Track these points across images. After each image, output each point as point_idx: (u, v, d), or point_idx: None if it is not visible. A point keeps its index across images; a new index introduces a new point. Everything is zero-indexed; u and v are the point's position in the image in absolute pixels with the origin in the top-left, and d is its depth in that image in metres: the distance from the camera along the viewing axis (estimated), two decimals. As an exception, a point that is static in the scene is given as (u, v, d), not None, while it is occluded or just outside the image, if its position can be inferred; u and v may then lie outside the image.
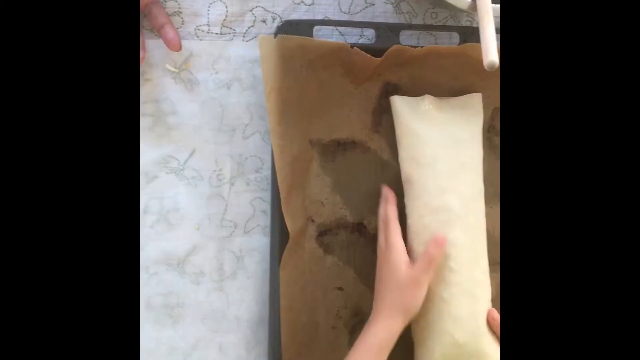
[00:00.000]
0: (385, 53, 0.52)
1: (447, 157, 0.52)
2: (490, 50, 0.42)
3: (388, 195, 0.52)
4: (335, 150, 0.55)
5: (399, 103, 0.54)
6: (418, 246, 0.51)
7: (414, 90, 0.54)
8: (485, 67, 0.42)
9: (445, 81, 0.55)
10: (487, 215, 0.54)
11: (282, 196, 0.50)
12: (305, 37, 0.51)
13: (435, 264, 0.49)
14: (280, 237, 0.53)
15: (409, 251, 0.51)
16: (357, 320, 0.54)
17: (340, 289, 0.54)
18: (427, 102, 0.53)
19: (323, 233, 0.54)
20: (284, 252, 0.51)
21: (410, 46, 0.53)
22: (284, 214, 0.50)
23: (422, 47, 0.53)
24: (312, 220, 0.54)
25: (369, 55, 0.52)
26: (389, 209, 0.52)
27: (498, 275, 0.54)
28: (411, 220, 0.52)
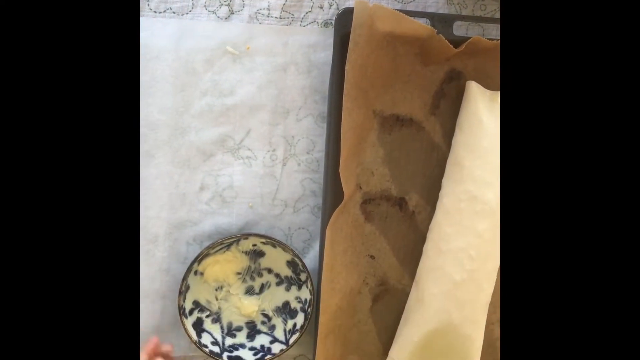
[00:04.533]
0: (465, 44, 0.54)
1: (499, 155, 0.54)
2: None
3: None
4: (393, 124, 0.57)
5: (474, 89, 0.55)
6: (448, 227, 0.54)
7: (475, 80, 0.56)
8: None
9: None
10: None
11: (341, 158, 0.52)
12: (398, 11, 0.52)
13: None
14: (330, 207, 0.54)
15: (433, 226, 0.55)
16: (381, 290, 0.57)
17: (372, 257, 0.57)
18: (498, 98, 0.55)
19: (367, 201, 0.57)
20: (334, 212, 0.53)
21: (467, 37, 0.55)
22: (341, 176, 0.52)
23: (497, 39, 0.54)
24: (360, 188, 0.56)
25: (449, 44, 0.53)
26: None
27: None
28: (447, 201, 0.55)
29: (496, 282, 0.56)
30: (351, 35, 0.51)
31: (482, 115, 0.54)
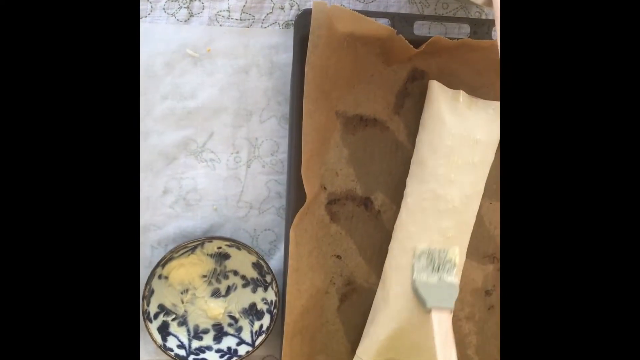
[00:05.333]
0: (425, 44, 0.54)
1: (463, 153, 0.54)
2: None
3: None
4: (357, 124, 0.57)
5: (436, 88, 0.56)
6: (412, 225, 0.55)
7: (438, 80, 0.56)
8: None
9: (468, 75, 0.58)
10: (486, 210, 0.58)
11: (303, 159, 0.52)
12: (356, 11, 0.52)
13: None
14: (295, 208, 0.54)
15: (398, 225, 0.56)
16: (348, 289, 0.57)
17: (339, 257, 0.57)
18: (460, 97, 0.56)
19: (332, 202, 0.57)
20: (296, 214, 0.53)
21: (428, 36, 0.55)
22: (303, 178, 0.52)
23: (457, 39, 0.55)
24: (325, 188, 0.57)
25: (409, 45, 0.54)
26: None
27: (488, 267, 0.59)
28: (411, 200, 0.56)
29: (463, 278, 0.57)
30: (310, 37, 0.51)
31: (445, 115, 0.55)
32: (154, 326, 0.53)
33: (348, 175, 0.57)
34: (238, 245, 0.54)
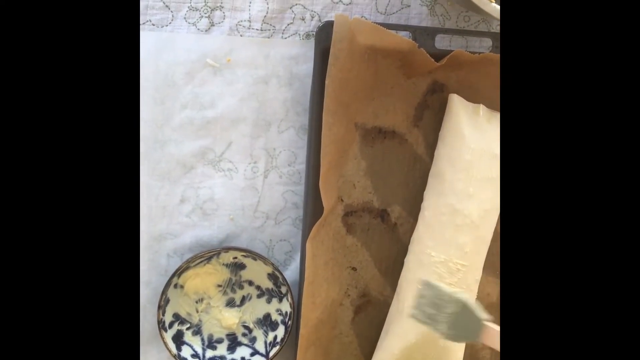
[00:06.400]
0: (447, 57, 0.54)
1: (482, 168, 0.54)
2: None
3: None
4: (375, 136, 0.57)
5: (456, 102, 0.55)
6: (429, 239, 0.54)
7: (458, 93, 0.56)
8: None
9: (488, 89, 0.57)
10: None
11: (321, 171, 0.52)
12: (377, 24, 0.52)
13: None
14: (311, 219, 0.54)
15: (415, 238, 0.55)
16: (363, 301, 0.57)
17: (354, 269, 0.57)
18: (480, 111, 0.55)
19: (349, 214, 0.57)
20: (314, 226, 0.53)
21: (449, 50, 0.54)
22: (321, 189, 0.52)
23: (479, 53, 0.54)
24: (342, 200, 0.56)
25: (430, 58, 0.53)
26: None
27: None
28: (428, 213, 0.55)
29: (478, 293, 0.56)
30: (331, 49, 0.51)
31: (464, 129, 0.54)
32: (168, 335, 0.53)
33: (365, 188, 0.57)
34: (254, 255, 0.54)
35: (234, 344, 0.56)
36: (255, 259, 0.55)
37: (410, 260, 0.56)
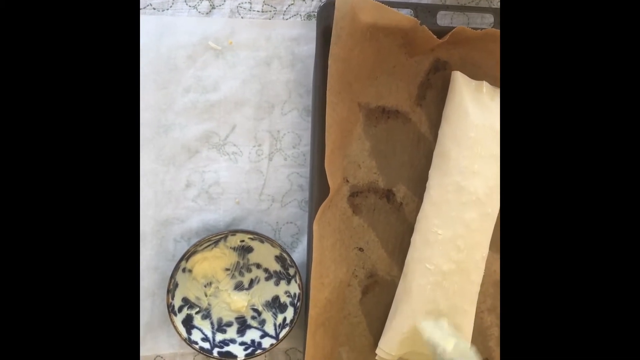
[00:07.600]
0: (449, 34, 0.53)
1: (486, 145, 0.54)
2: None
3: None
4: (379, 116, 0.57)
5: (459, 80, 0.55)
6: (435, 218, 0.54)
7: (460, 70, 0.56)
8: None
9: (491, 66, 0.57)
10: None
11: (326, 152, 0.52)
12: (379, 2, 0.52)
13: None
14: (317, 201, 0.54)
15: (421, 217, 0.55)
16: (371, 282, 0.57)
17: (361, 249, 0.57)
18: (483, 88, 0.55)
19: (355, 194, 0.57)
20: (319, 207, 0.53)
21: (451, 26, 0.54)
22: (326, 170, 0.52)
23: (481, 29, 0.54)
24: (347, 181, 0.57)
25: (433, 35, 0.53)
26: None
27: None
28: (433, 192, 0.55)
29: (485, 270, 0.57)
30: (333, 28, 0.50)
31: (468, 106, 0.54)
32: (178, 319, 0.53)
33: (370, 168, 0.57)
34: (261, 238, 0.54)
35: (243, 327, 0.56)
36: (262, 242, 0.55)
37: (416, 239, 0.56)
